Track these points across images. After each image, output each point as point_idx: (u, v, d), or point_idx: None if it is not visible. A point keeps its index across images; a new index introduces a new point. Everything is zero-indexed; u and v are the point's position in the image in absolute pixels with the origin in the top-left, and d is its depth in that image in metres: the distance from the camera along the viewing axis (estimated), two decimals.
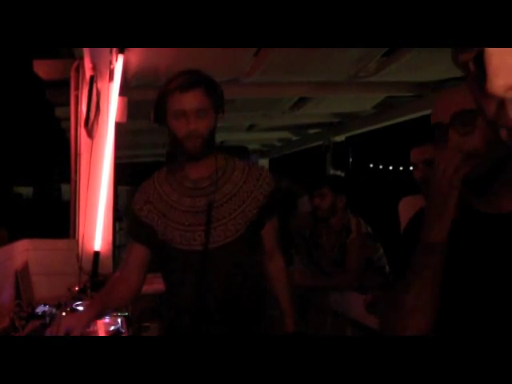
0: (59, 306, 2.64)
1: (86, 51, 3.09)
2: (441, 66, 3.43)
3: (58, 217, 5.45)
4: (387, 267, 3.51)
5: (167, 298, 2.20)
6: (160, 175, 2.20)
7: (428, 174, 2.32)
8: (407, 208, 2.57)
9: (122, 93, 3.35)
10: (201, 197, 2.08)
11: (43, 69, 3.57)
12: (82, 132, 3.33)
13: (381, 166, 22.62)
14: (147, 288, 3.43)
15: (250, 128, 5.92)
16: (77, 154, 3.38)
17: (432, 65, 3.40)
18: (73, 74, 3.41)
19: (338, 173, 5.80)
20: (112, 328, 2.36)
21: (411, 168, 2.41)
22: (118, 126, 3.36)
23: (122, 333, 2.30)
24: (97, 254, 3.27)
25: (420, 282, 1.17)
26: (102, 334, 2.30)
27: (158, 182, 2.17)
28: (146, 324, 2.71)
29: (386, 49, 3.12)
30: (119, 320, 2.48)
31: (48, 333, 1.85)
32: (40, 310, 2.55)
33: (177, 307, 2.12)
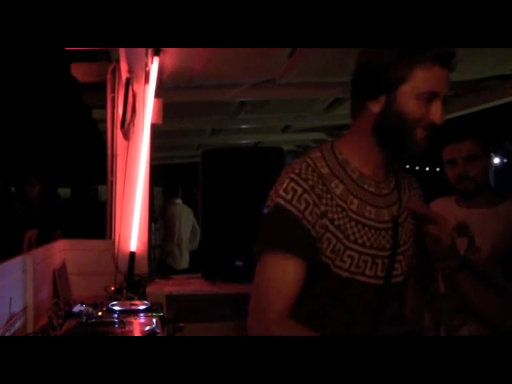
0: (96, 306, 2.67)
1: (122, 54, 3.13)
2: (479, 65, 3.37)
3: (95, 217, 5.52)
4: None
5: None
6: (319, 162, 1.43)
7: (468, 171, 2.26)
8: (439, 210, 2.51)
9: (157, 94, 3.38)
10: (384, 208, 1.46)
11: (80, 72, 3.63)
12: (119, 133, 3.37)
13: (417, 167, 22.34)
14: (183, 288, 3.46)
15: (285, 129, 5.90)
16: (113, 156, 3.42)
17: (470, 64, 3.34)
18: (109, 76, 3.46)
19: None
20: (147, 328, 2.38)
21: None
22: (153, 127, 3.39)
23: (157, 333, 2.31)
24: (132, 254, 3.31)
25: None
26: (137, 334, 2.32)
27: (322, 173, 1.40)
28: (181, 324, 2.72)
29: None
30: (154, 320, 2.50)
31: None
32: (77, 309, 2.58)
33: None
